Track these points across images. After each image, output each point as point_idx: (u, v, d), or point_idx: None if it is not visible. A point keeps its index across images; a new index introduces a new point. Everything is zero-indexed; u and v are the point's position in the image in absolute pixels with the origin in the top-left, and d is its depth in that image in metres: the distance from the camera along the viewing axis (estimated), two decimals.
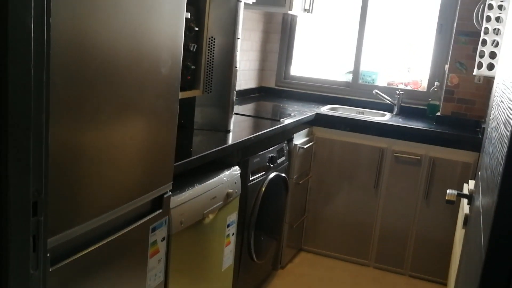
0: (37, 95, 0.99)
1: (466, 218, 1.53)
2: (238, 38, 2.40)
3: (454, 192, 1.50)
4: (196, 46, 2.21)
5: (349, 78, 4.06)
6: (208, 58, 2.33)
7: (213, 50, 2.35)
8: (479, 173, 1.35)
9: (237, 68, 2.44)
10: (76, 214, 1.21)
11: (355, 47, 3.94)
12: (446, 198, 1.48)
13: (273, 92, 4.21)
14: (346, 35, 4.14)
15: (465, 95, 3.44)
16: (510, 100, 0.92)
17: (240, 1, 2.35)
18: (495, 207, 0.79)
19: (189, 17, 2.09)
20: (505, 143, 0.81)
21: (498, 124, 0.99)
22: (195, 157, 1.92)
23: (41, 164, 1.02)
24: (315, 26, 4.27)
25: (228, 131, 2.48)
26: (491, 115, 1.34)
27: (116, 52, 1.28)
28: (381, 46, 4.03)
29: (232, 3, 2.34)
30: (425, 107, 3.74)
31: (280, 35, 4.15)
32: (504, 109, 0.95)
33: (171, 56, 1.53)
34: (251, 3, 2.73)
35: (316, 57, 4.38)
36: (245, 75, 3.92)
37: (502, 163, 0.79)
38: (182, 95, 2.17)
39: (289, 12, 3.35)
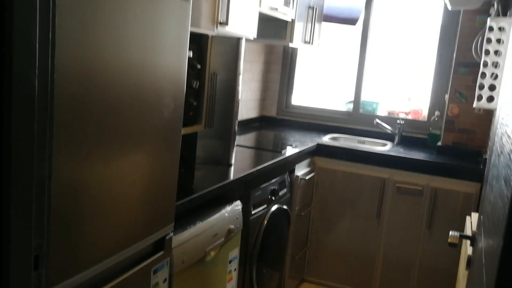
0: (40, 142, 1.00)
1: (469, 260, 1.53)
2: (240, 74, 2.42)
3: (457, 234, 1.50)
4: (198, 83, 2.24)
5: (350, 108, 4.08)
6: (210, 94, 2.35)
7: (215, 86, 2.38)
8: (481, 217, 1.35)
9: (239, 102, 2.46)
10: (77, 262, 1.21)
11: (356, 77, 3.97)
12: (449, 240, 1.47)
13: (274, 121, 4.23)
14: (346, 65, 4.18)
15: (466, 125, 3.46)
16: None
17: (242, 39, 2.38)
18: (501, 251, 0.78)
19: (191, 55, 2.11)
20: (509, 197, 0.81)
21: (499, 176, 0.99)
22: (196, 195, 1.92)
23: (43, 217, 1.03)
24: (316, 56, 4.32)
25: (230, 165, 2.48)
26: (492, 160, 1.35)
27: (119, 94, 1.30)
28: (382, 75, 4.07)
29: (234, 40, 2.38)
30: (426, 137, 3.75)
31: (281, 66, 4.20)
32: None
33: (173, 99, 1.54)
34: (252, 38, 2.76)
35: (317, 87, 4.42)
36: (247, 105, 3.95)
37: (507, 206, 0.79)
38: (184, 130, 2.19)
39: (290, 44, 3.39)
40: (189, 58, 2.12)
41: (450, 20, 3.65)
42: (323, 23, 3.91)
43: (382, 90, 4.08)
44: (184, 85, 1.60)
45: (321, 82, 4.42)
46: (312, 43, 3.65)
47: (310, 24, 3.60)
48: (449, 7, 3.23)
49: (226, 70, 2.40)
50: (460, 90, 3.44)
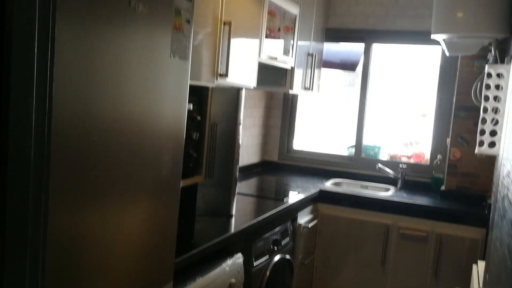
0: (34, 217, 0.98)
1: None
2: (240, 123, 2.43)
3: None
4: (198, 134, 2.24)
5: (352, 152, 4.08)
6: (210, 145, 2.35)
7: (215, 136, 2.38)
8: (487, 275, 1.31)
9: (239, 152, 2.46)
10: None
11: (357, 121, 3.99)
12: None
13: (276, 166, 4.21)
14: (347, 109, 4.20)
15: (469, 169, 3.43)
16: None
17: (242, 89, 2.40)
18: None
19: (191, 108, 2.12)
20: None
21: (502, 241, 0.97)
22: (196, 250, 1.89)
23: (38, 273, 1.01)
24: (316, 101, 4.35)
25: (231, 216, 2.45)
26: (495, 221, 1.32)
27: (117, 149, 1.29)
28: (383, 119, 4.08)
29: (234, 90, 2.40)
30: (429, 181, 3.72)
31: (281, 110, 4.22)
32: None
33: (172, 157, 1.54)
34: (252, 87, 2.79)
35: (318, 131, 4.43)
36: (248, 150, 3.95)
37: None
38: (183, 183, 2.17)
39: (290, 91, 3.42)
40: (189, 110, 2.13)
41: (448, 65, 3.69)
42: (323, 69, 3.96)
43: (383, 134, 4.08)
44: (183, 142, 1.60)
45: (322, 126, 4.43)
46: (312, 89, 3.68)
47: (309, 71, 3.64)
48: (447, 53, 3.27)
49: (226, 120, 2.41)
50: (462, 134, 3.44)
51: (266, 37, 2.86)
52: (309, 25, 3.61)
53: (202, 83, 2.25)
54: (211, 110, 2.35)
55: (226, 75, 2.36)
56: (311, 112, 4.41)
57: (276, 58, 3.00)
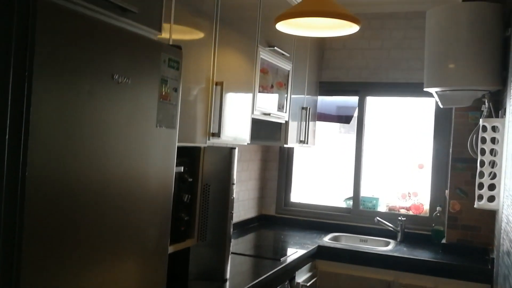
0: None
1: None
2: (233, 183, 2.38)
3: None
4: (190, 196, 2.19)
5: (349, 204, 4.01)
6: (202, 207, 2.29)
7: (208, 198, 2.33)
8: None
9: (233, 213, 2.40)
10: None
11: (353, 173, 3.94)
12: None
13: (274, 220, 4.13)
14: (344, 160, 4.17)
15: (469, 221, 3.36)
16: None
17: (234, 148, 2.37)
18: None
19: (182, 170, 2.08)
20: None
21: None
22: None
23: None
24: (312, 152, 4.32)
25: (225, 280, 2.36)
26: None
27: (100, 218, 1.24)
28: (379, 170, 4.04)
29: (226, 149, 2.37)
30: (429, 233, 3.64)
31: (278, 163, 4.18)
32: None
33: (158, 230, 1.48)
34: (246, 144, 2.76)
35: (315, 183, 4.38)
36: (244, 205, 3.88)
37: None
38: (175, 247, 2.11)
39: (285, 145, 3.39)
40: (179, 172, 2.09)
41: (443, 116, 3.68)
42: (318, 122, 3.95)
43: (381, 184, 4.03)
44: (170, 215, 1.55)
45: (319, 177, 4.38)
46: (307, 143, 3.66)
47: (304, 124, 3.63)
48: (441, 105, 3.27)
49: (219, 180, 2.36)
50: (460, 186, 3.38)
51: (259, 93, 2.87)
52: (303, 79, 3.63)
53: (194, 144, 2.22)
54: (203, 170, 2.31)
55: (218, 134, 2.34)
56: (308, 163, 4.37)
57: (269, 114, 3.00)
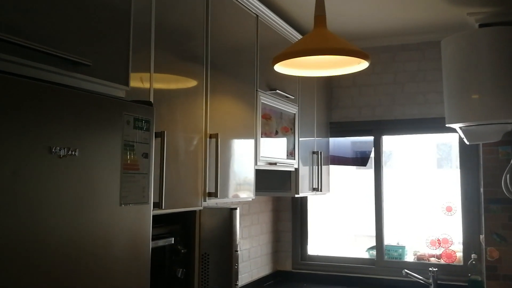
0: None
1: None
2: (237, 250, 2.06)
3: None
4: (185, 270, 1.87)
5: (373, 254, 3.63)
6: (202, 281, 1.97)
7: (208, 270, 2.01)
8: None
9: (237, 285, 2.07)
10: None
11: (374, 219, 3.59)
12: None
13: (291, 276, 3.76)
14: (363, 203, 3.82)
15: (511, 270, 2.96)
16: None
17: (235, 209, 2.07)
18: None
19: (173, 242, 1.78)
20: None
21: None
22: None
23: None
24: (328, 198, 3.99)
25: None
26: None
27: None
28: (403, 215, 3.68)
29: (225, 212, 2.06)
30: (466, 284, 3.23)
31: (291, 213, 3.85)
32: None
33: None
34: (251, 199, 2.46)
35: (333, 232, 4.02)
36: (257, 263, 3.53)
37: None
38: None
39: (296, 196, 3.08)
40: (171, 244, 1.79)
41: (469, 152, 3.35)
42: (332, 166, 3.64)
43: (406, 231, 3.65)
44: None
45: (337, 226, 4.02)
46: (321, 190, 3.33)
47: (316, 170, 3.32)
48: (467, 142, 2.94)
49: (219, 248, 2.05)
50: (496, 231, 3.00)
51: (263, 141, 2.58)
52: (311, 121, 3.35)
53: (187, 208, 1.92)
54: (200, 237, 2.00)
55: (216, 194, 2.04)
56: (324, 209, 4.02)
57: (276, 163, 2.70)
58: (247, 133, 2.43)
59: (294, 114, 3.02)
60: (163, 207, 1.69)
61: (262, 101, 2.58)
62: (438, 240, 3.49)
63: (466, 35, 2.80)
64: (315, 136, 3.41)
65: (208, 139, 2.06)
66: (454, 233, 3.42)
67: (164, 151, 1.71)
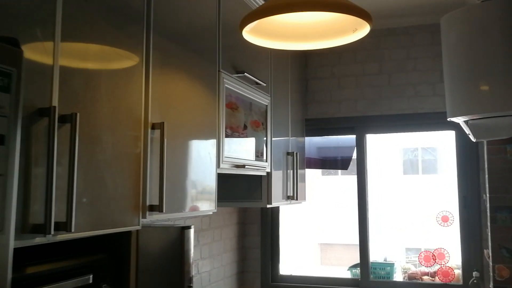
0: None
1: None
2: (190, 286, 1.47)
3: None
4: None
5: (356, 274, 3.10)
6: None
7: None
8: None
9: None
10: None
11: (358, 233, 3.06)
12: None
13: None
14: (344, 213, 3.29)
15: None
16: None
17: (189, 228, 1.48)
18: None
19: (91, 281, 1.18)
20: None
21: None
22: None
23: None
24: (304, 208, 3.44)
25: None
26: None
27: None
28: (391, 227, 3.17)
29: (174, 232, 1.47)
30: None
31: (260, 225, 3.28)
32: None
33: None
34: (211, 212, 1.88)
35: (308, 247, 3.47)
36: (220, 287, 2.93)
37: None
38: None
39: (268, 206, 2.51)
40: (89, 283, 1.19)
41: (468, 152, 2.87)
42: (308, 170, 3.10)
43: (394, 246, 3.14)
44: None
45: (313, 240, 3.47)
46: (296, 198, 2.78)
47: (291, 175, 2.77)
48: (473, 139, 2.45)
49: (167, 281, 1.45)
50: (505, 244, 2.53)
51: (227, 137, 2.01)
52: (285, 117, 2.80)
53: (116, 229, 1.32)
54: (138, 269, 1.40)
55: (160, 208, 1.45)
56: (298, 220, 3.47)
57: (244, 166, 2.12)
58: (206, 125, 1.85)
59: (266, 106, 2.46)
60: (72, 229, 1.09)
61: (226, 85, 2.01)
62: (433, 255, 2.99)
63: (474, 8, 2.32)
64: (290, 135, 2.86)
65: (149, 130, 1.47)
66: (451, 246, 2.94)
67: (75, 145, 1.12)
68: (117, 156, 1.33)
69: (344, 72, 3.17)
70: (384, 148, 9.25)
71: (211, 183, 1.86)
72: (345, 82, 3.17)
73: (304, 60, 3.22)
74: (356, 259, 3.04)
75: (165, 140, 1.48)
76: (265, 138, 2.43)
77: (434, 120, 2.95)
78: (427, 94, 2.99)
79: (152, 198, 1.46)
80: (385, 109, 3.07)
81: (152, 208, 1.45)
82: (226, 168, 2.00)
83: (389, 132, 3.17)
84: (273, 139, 2.53)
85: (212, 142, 1.89)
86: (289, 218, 3.46)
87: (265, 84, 2.37)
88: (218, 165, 1.92)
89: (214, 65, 1.93)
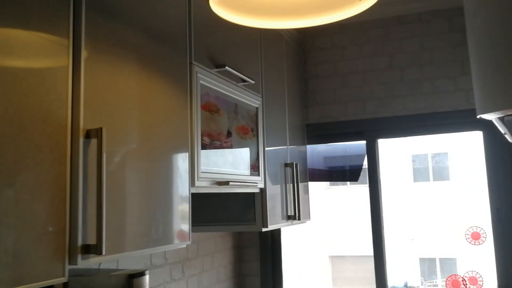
0: None
1: None
2: None
3: None
4: None
5: None
6: None
7: None
8: None
9: None
10: None
11: (373, 254, 2.62)
12: None
13: None
14: (358, 227, 2.84)
15: None
16: None
17: (140, 275, 1.05)
18: None
19: None
20: None
21: None
22: None
23: None
24: (309, 227, 3.00)
25: None
26: None
27: None
28: (411, 246, 2.73)
29: (118, 281, 1.04)
30: None
31: (259, 249, 2.84)
32: None
33: None
34: (185, 245, 1.45)
35: (319, 263, 3.02)
36: None
37: None
38: None
39: (264, 229, 2.07)
40: None
41: (499, 157, 2.44)
42: (311, 183, 2.67)
43: (415, 267, 2.69)
44: None
45: (323, 254, 3.03)
46: (298, 218, 2.35)
47: (291, 190, 2.34)
48: (510, 139, 2.01)
49: None
50: None
51: (205, 147, 1.58)
52: (281, 122, 2.38)
53: (30, 284, 0.90)
54: None
55: (98, 248, 1.03)
56: (305, 233, 3.03)
57: (228, 183, 1.69)
58: (174, 131, 1.43)
59: (257, 108, 2.04)
60: None
61: (202, 81, 1.59)
62: (463, 279, 2.52)
63: None
64: (288, 142, 2.43)
65: (81, 139, 1.05)
66: (485, 269, 2.48)
67: None
68: (25, 180, 0.91)
69: (349, 68, 2.75)
70: (392, 155, 8.81)
71: (183, 207, 1.44)
72: (351, 80, 2.74)
73: (303, 57, 2.81)
74: (370, 272, 2.59)
75: (104, 152, 1.06)
76: (256, 147, 2.01)
77: (456, 120, 2.52)
78: (447, 90, 2.56)
79: (87, 235, 1.04)
80: (398, 109, 2.65)
81: (86, 250, 1.02)
82: (204, 187, 1.57)
83: (404, 136, 2.74)
84: (266, 148, 2.11)
85: (183, 154, 1.46)
86: (295, 231, 3.04)
87: (253, 82, 1.95)
88: (192, 183, 1.49)
89: (183, 56, 1.52)
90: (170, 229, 1.35)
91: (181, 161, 1.45)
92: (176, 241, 1.37)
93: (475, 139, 2.47)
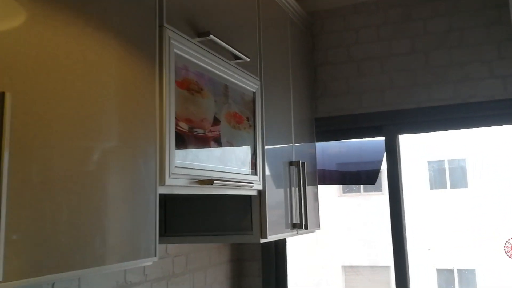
0: None
1: None
2: None
3: None
4: None
5: None
6: None
7: None
8: None
9: None
10: None
11: (394, 272, 2.23)
12: None
13: None
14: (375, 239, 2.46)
15: None
16: None
17: None
18: None
19: None
20: None
21: None
22: None
23: None
24: (317, 236, 2.62)
25: None
26: None
27: None
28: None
29: None
30: None
31: (261, 262, 2.47)
32: None
33: None
34: (151, 263, 1.09)
35: (331, 273, 2.64)
36: None
37: None
38: None
39: (263, 241, 1.70)
40: None
41: None
42: (321, 188, 2.30)
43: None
44: None
45: (335, 264, 2.65)
46: (306, 226, 1.97)
47: (296, 193, 1.97)
48: None
49: None
50: None
51: (181, 137, 1.23)
52: (285, 114, 2.01)
53: None
54: None
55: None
56: (316, 241, 2.65)
57: (212, 181, 1.33)
58: (134, 112, 1.08)
59: (254, 93, 1.68)
60: None
61: (177, 51, 1.24)
62: None
63: None
64: (293, 138, 2.07)
65: None
66: (508, 281, 2.08)
67: None
68: None
69: (365, 53, 2.38)
70: (407, 160, 8.40)
71: (145, 211, 1.08)
72: (367, 67, 2.38)
73: (311, 42, 2.45)
74: (385, 284, 2.21)
75: (7, 124, 0.71)
76: (253, 140, 1.65)
77: (491, 112, 2.14)
78: (481, 77, 2.18)
79: None
80: (422, 100, 2.27)
81: None
82: (180, 186, 1.22)
83: (429, 131, 2.36)
84: (266, 142, 1.75)
85: (148, 142, 1.11)
86: (303, 239, 2.67)
87: (248, 59, 1.59)
88: (161, 181, 1.13)
89: (150, 15, 1.17)
90: (122, 242, 0.99)
91: (144, 150, 1.09)
92: (132, 257, 1.01)
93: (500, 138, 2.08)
